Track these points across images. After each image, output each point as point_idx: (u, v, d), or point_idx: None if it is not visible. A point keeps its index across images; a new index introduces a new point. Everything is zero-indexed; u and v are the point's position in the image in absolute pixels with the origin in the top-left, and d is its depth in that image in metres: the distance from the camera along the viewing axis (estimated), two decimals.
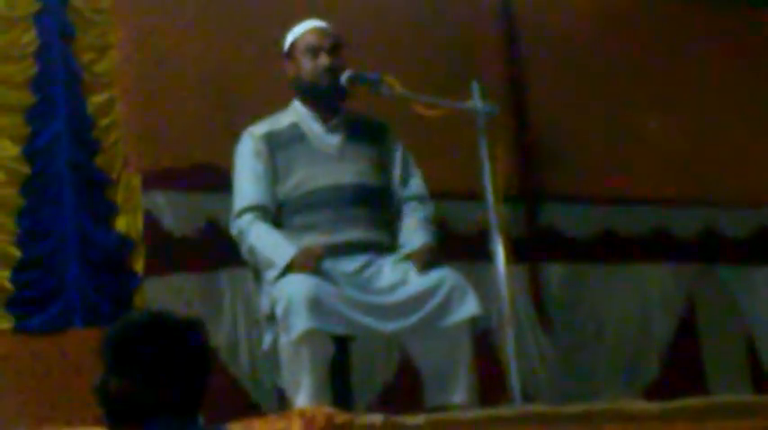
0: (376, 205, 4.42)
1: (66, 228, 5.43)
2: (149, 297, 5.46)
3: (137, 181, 5.59)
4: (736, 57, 7.31)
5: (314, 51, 4.40)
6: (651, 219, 6.93)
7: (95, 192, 5.54)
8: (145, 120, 5.68)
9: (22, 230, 5.37)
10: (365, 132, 4.49)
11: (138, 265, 5.52)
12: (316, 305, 4.00)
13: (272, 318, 4.17)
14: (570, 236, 6.70)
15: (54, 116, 5.49)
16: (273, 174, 4.34)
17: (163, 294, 5.50)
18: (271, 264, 4.18)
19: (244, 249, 4.32)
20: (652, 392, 6.29)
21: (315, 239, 4.24)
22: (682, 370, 6.71)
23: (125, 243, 5.52)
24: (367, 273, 4.25)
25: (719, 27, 7.33)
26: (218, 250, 5.65)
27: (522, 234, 6.43)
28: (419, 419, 3.64)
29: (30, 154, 5.44)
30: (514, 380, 4.16)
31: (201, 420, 2.57)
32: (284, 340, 4.06)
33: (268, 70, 5.68)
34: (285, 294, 4.05)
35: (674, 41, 7.17)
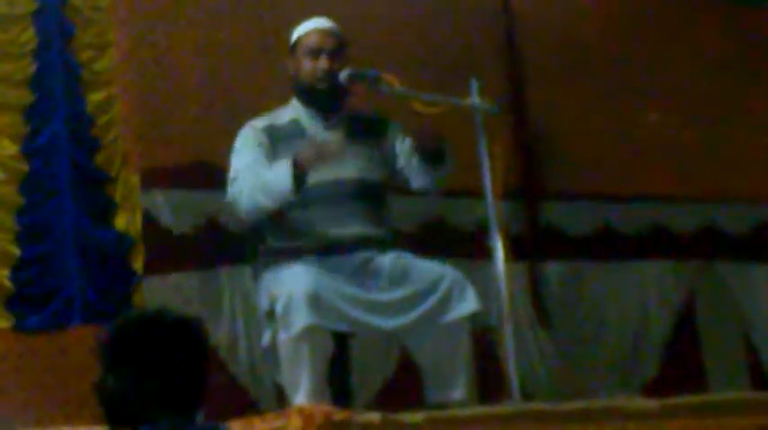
0: (376, 201, 4.42)
1: (66, 227, 5.43)
2: (148, 295, 5.45)
3: (136, 179, 5.59)
4: (737, 53, 7.31)
5: (314, 53, 4.40)
6: (650, 216, 6.92)
7: (94, 191, 5.53)
8: (144, 118, 5.68)
9: (22, 229, 5.36)
10: (366, 128, 4.49)
11: (138, 263, 5.51)
12: (315, 301, 4.01)
13: (271, 314, 4.17)
14: (569, 233, 6.70)
15: (53, 114, 5.49)
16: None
17: (162, 292, 5.49)
18: (277, 182, 4.12)
19: (244, 203, 4.26)
20: (651, 389, 6.28)
21: (314, 235, 4.25)
22: (681, 367, 6.71)
23: (124, 241, 5.52)
24: (367, 270, 4.25)
25: (719, 24, 7.33)
26: (217, 248, 5.67)
27: (522, 231, 6.43)
28: (418, 417, 3.64)
29: (29, 152, 5.44)
30: (513, 378, 4.16)
31: (200, 418, 2.57)
32: (283, 337, 4.07)
33: (267, 68, 5.70)
34: (285, 291, 4.05)
35: (675, 38, 7.17)
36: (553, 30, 6.83)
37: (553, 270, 6.59)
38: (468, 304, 4.20)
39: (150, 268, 5.52)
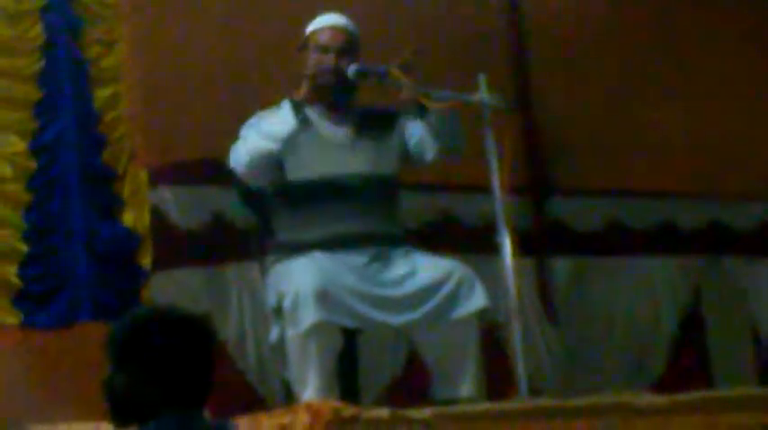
0: (386, 196, 4.42)
1: (73, 223, 5.43)
2: (156, 291, 5.45)
3: (143, 175, 5.59)
4: (742, 49, 7.30)
5: (323, 50, 4.41)
6: (658, 212, 6.92)
7: (102, 187, 5.53)
8: (152, 114, 5.68)
9: (29, 225, 5.36)
10: (376, 123, 4.49)
11: (145, 260, 5.51)
12: (324, 297, 4.01)
13: (279, 311, 4.17)
14: (577, 229, 6.70)
15: (61, 111, 5.49)
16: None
17: (170, 288, 5.49)
18: (280, 123, 4.25)
19: (246, 151, 4.34)
20: (658, 385, 6.28)
21: (323, 230, 4.25)
22: (688, 362, 6.71)
23: (132, 237, 5.52)
24: (375, 266, 4.25)
25: (724, 19, 7.31)
26: (225, 244, 5.67)
27: (529, 227, 6.42)
28: (426, 413, 3.65)
29: (36, 149, 5.43)
30: (521, 374, 4.16)
31: (208, 415, 2.57)
32: (291, 333, 4.07)
33: (276, 64, 5.69)
34: (293, 287, 4.05)
35: (681, 34, 7.15)
36: (560, 24, 6.82)
37: (561, 266, 6.59)
38: (477, 300, 4.21)
39: (158, 264, 5.52)
